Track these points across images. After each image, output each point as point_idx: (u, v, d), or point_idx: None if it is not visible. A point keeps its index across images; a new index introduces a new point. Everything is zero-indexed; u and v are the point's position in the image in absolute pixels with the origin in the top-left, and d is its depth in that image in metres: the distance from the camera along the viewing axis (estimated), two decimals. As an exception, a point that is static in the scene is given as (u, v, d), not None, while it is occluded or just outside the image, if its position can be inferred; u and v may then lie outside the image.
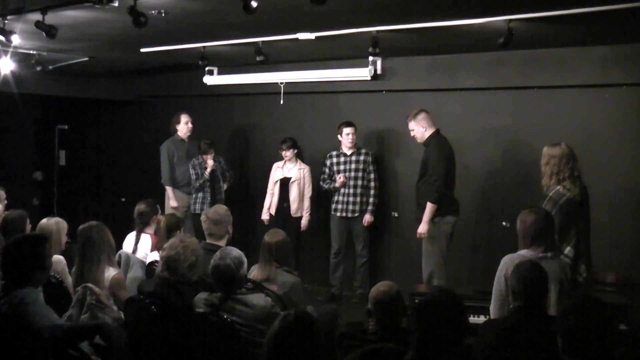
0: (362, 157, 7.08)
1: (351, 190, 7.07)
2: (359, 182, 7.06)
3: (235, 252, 3.91)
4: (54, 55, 7.13)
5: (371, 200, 7.07)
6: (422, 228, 5.97)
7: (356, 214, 7.07)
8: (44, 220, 5.00)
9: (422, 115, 6.07)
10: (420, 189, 6.13)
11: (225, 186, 7.82)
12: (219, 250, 3.95)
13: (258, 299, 3.85)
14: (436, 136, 6.08)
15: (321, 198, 7.53)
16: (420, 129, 6.10)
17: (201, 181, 7.58)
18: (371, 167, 7.09)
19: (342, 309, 5.76)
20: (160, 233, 5.17)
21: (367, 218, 7.06)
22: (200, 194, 7.61)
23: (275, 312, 3.86)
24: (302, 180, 7.46)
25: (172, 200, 7.65)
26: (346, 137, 7.05)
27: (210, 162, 7.59)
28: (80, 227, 4.38)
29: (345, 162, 7.12)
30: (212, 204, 7.49)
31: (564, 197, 4.64)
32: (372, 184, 7.08)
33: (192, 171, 7.62)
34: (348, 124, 7.06)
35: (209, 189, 7.60)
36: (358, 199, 7.06)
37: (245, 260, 3.93)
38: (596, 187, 5.33)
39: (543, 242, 3.94)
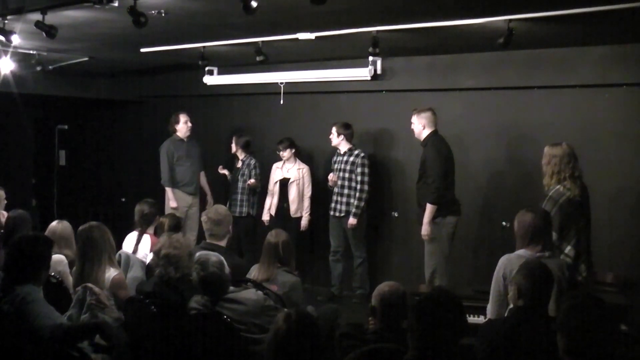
0: (351, 158, 7.00)
1: (340, 190, 7.05)
2: (346, 183, 6.98)
3: (213, 256, 3.94)
4: (54, 55, 7.14)
5: (354, 202, 6.91)
6: (425, 229, 5.97)
7: (342, 214, 7.02)
8: (55, 224, 5.01)
9: (426, 114, 6.07)
10: (420, 190, 6.13)
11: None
12: (197, 263, 3.94)
13: (249, 294, 3.88)
14: (433, 136, 6.07)
15: (321, 198, 7.53)
16: (419, 126, 6.10)
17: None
18: (359, 170, 6.92)
19: (342, 309, 5.75)
20: (163, 233, 5.16)
21: (350, 221, 6.91)
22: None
23: (268, 305, 3.89)
24: (302, 181, 7.45)
25: (171, 201, 7.63)
26: (330, 138, 7.07)
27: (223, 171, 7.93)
28: (81, 227, 4.38)
29: (340, 161, 7.10)
30: (227, 203, 7.59)
31: (564, 196, 4.64)
32: (358, 186, 6.91)
33: None
34: (333, 125, 7.06)
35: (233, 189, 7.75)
36: (345, 199, 7.00)
37: (223, 258, 3.95)
38: (596, 187, 5.33)
39: (540, 242, 3.95)
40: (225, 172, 7.96)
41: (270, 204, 7.58)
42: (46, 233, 4.83)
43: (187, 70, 8.49)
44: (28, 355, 3.40)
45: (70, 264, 4.63)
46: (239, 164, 7.72)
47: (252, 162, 7.66)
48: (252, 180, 7.51)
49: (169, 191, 7.68)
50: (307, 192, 7.47)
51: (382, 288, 3.43)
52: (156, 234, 5.46)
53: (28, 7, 4.85)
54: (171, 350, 3.60)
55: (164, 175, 7.73)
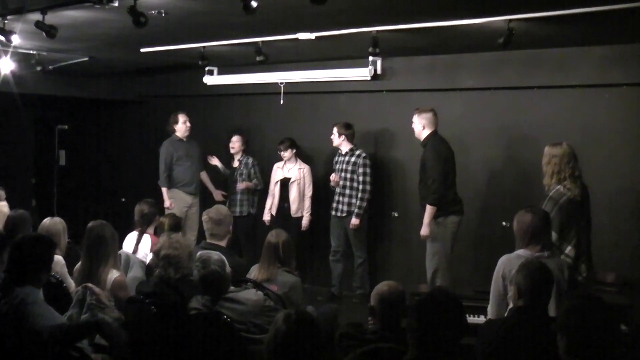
0: (353, 159, 6.99)
1: (341, 190, 7.05)
2: (348, 183, 6.99)
3: (215, 255, 3.95)
4: (54, 55, 7.14)
5: (357, 202, 6.92)
6: (424, 230, 5.97)
7: (344, 214, 7.02)
8: (45, 220, 5.00)
9: (427, 114, 6.06)
10: (421, 191, 6.13)
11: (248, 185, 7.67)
12: (199, 261, 3.95)
13: (249, 294, 3.88)
14: (433, 137, 6.06)
15: (321, 198, 7.53)
16: (419, 126, 6.10)
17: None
18: (360, 170, 6.92)
19: (342, 309, 5.76)
20: (163, 233, 5.16)
21: (352, 221, 6.91)
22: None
23: (268, 305, 3.89)
24: (302, 180, 7.46)
25: (165, 201, 7.63)
26: (332, 138, 7.07)
27: (214, 161, 7.94)
28: (92, 223, 4.35)
29: (341, 161, 7.10)
30: (225, 203, 7.60)
31: (564, 196, 4.64)
32: (360, 186, 6.92)
33: None
34: (334, 125, 7.06)
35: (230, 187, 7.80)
36: (346, 199, 7.00)
37: (224, 257, 3.95)
38: (596, 187, 5.33)
39: (540, 242, 3.95)
40: (217, 163, 7.96)
41: (271, 203, 7.59)
42: (38, 230, 4.83)
43: (187, 70, 8.49)
44: (28, 356, 3.40)
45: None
46: (236, 164, 7.73)
47: (250, 161, 7.68)
48: (244, 184, 7.57)
49: (164, 191, 7.67)
50: (308, 192, 7.47)
51: (381, 288, 3.43)
52: (156, 234, 5.47)
53: (28, 7, 4.85)
54: (171, 350, 3.60)
55: (160, 176, 7.74)
